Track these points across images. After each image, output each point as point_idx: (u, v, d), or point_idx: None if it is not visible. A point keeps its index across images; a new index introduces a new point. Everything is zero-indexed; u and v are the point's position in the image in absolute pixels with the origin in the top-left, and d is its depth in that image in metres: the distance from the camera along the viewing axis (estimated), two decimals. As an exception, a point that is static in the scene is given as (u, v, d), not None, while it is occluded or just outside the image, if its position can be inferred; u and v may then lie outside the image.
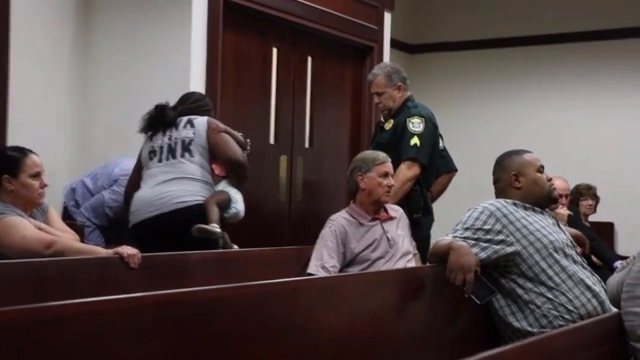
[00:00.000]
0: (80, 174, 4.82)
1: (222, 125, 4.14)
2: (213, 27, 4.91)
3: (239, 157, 4.08)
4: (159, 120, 4.16)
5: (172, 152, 4.06)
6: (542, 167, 3.33)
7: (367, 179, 4.00)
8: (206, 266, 3.64)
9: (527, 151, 3.39)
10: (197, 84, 4.82)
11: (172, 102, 4.26)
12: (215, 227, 3.83)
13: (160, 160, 4.06)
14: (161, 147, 4.09)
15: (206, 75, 4.90)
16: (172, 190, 3.94)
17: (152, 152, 4.12)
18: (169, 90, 4.82)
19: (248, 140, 4.41)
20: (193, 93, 4.45)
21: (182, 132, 4.10)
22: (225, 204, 4.05)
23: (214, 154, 4.10)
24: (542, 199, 3.30)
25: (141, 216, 3.97)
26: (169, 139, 4.10)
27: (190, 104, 4.28)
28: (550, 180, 3.33)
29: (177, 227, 3.88)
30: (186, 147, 4.06)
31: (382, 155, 4.07)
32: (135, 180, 4.21)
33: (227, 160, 4.09)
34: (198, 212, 3.91)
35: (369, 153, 4.18)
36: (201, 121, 4.13)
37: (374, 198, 3.99)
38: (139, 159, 4.23)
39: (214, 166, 4.16)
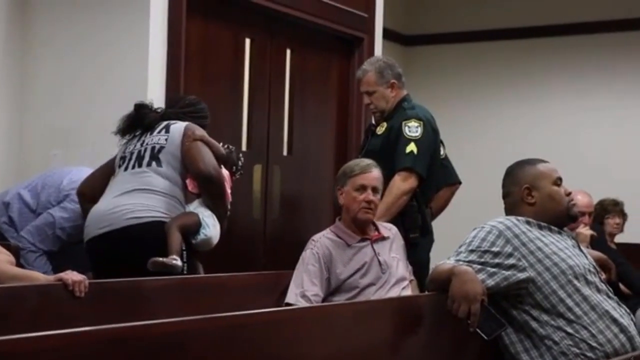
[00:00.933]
0: (14, 184, 4.78)
1: (199, 132, 4.10)
2: (175, 14, 4.91)
3: (211, 170, 4.02)
4: (136, 122, 4.17)
5: (139, 159, 4.05)
6: (560, 179, 3.36)
7: (345, 193, 4.02)
8: (167, 294, 3.62)
9: (541, 160, 3.42)
10: (157, 80, 4.81)
11: (128, 104, 4.24)
12: (174, 261, 3.76)
13: (126, 169, 4.07)
14: (132, 153, 4.10)
15: (167, 70, 4.89)
16: (128, 203, 3.93)
17: (123, 159, 4.13)
18: (122, 87, 4.83)
19: (241, 156, 4.39)
20: (186, 97, 4.47)
21: (155, 137, 4.10)
22: (192, 228, 3.98)
23: (185, 165, 4.07)
24: (560, 217, 3.33)
25: (92, 232, 3.96)
26: (142, 144, 4.10)
27: (179, 108, 4.29)
28: (569, 194, 3.35)
29: (130, 246, 3.86)
30: (155, 156, 4.04)
31: (362, 163, 4.08)
32: (92, 180, 4.21)
33: (196, 173, 4.04)
34: (156, 231, 3.87)
35: (350, 163, 4.19)
36: (178, 127, 4.11)
37: (351, 215, 4.01)
38: (108, 162, 4.23)
39: (187, 181, 4.12)
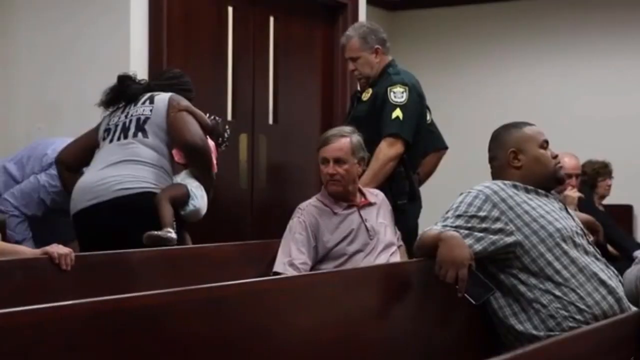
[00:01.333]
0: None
1: (184, 103, 4.08)
2: (156, -17, 4.86)
3: (197, 141, 4.01)
4: (120, 93, 4.14)
5: (125, 131, 4.03)
6: (546, 142, 3.34)
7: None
8: (153, 266, 3.61)
9: (527, 124, 3.40)
10: (139, 51, 4.77)
11: (111, 77, 4.19)
12: (169, 233, 3.77)
13: (111, 141, 4.04)
14: (116, 125, 4.08)
15: (149, 40, 4.85)
16: (116, 175, 3.91)
17: (107, 131, 4.10)
18: (105, 60, 4.80)
19: (227, 128, 4.38)
20: (170, 69, 4.44)
21: (140, 108, 4.07)
22: (181, 200, 3.98)
23: (171, 136, 4.05)
24: (546, 180, 3.31)
25: (80, 204, 3.94)
26: (126, 116, 4.08)
27: (163, 80, 4.27)
28: (555, 157, 3.33)
29: (120, 218, 3.85)
30: (140, 127, 4.02)
31: (327, 134, 4.07)
32: (72, 148, 4.19)
33: (183, 144, 4.04)
34: (145, 202, 3.87)
35: (326, 133, 4.17)
36: (163, 97, 4.09)
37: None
38: (90, 132, 4.20)
39: (174, 151, 4.10)
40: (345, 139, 4.00)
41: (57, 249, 3.26)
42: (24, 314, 1.98)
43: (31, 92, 5.08)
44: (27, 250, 3.39)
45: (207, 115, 4.29)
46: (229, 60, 5.53)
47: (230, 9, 5.52)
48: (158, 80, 4.30)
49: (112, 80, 4.19)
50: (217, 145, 4.32)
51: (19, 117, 5.12)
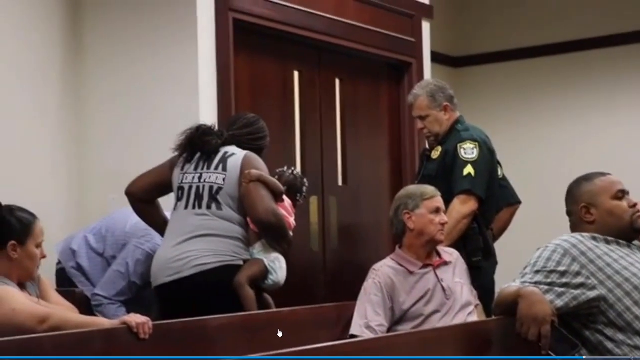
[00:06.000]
0: (75, 230, 4.81)
1: (255, 171, 3.99)
2: (223, 51, 4.94)
3: (270, 218, 3.96)
4: (197, 146, 4.12)
5: (198, 199, 4.04)
6: (622, 191, 3.28)
7: (416, 217, 3.97)
8: (230, 332, 3.61)
9: (601, 174, 3.35)
10: (208, 116, 4.83)
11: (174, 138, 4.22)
12: None
13: (186, 207, 4.05)
14: (190, 188, 4.07)
15: (218, 105, 4.92)
16: (193, 250, 3.95)
17: (181, 190, 4.10)
18: (174, 126, 4.83)
19: (305, 181, 4.42)
20: (243, 116, 4.37)
21: (213, 175, 4.06)
22: (260, 276, 4.01)
23: (244, 207, 4.03)
24: (624, 232, 3.25)
25: (160, 280, 4.01)
26: (199, 179, 4.07)
27: (236, 130, 4.23)
28: (634, 206, 3.27)
29: (201, 292, 3.90)
30: (213, 197, 4.02)
31: (430, 188, 4.07)
32: (141, 183, 4.25)
33: (255, 220, 4.01)
34: (223, 276, 3.91)
35: (414, 188, 4.18)
36: (235, 163, 4.05)
37: (427, 238, 3.96)
38: (161, 170, 4.24)
39: (249, 219, 4.08)
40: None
41: (134, 317, 3.28)
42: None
43: (103, 163, 5.16)
44: (105, 322, 3.42)
45: (285, 168, 4.32)
46: (297, 123, 5.57)
47: (296, 73, 5.58)
48: (232, 128, 4.24)
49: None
50: (295, 202, 4.32)
51: (92, 189, 5.18)
